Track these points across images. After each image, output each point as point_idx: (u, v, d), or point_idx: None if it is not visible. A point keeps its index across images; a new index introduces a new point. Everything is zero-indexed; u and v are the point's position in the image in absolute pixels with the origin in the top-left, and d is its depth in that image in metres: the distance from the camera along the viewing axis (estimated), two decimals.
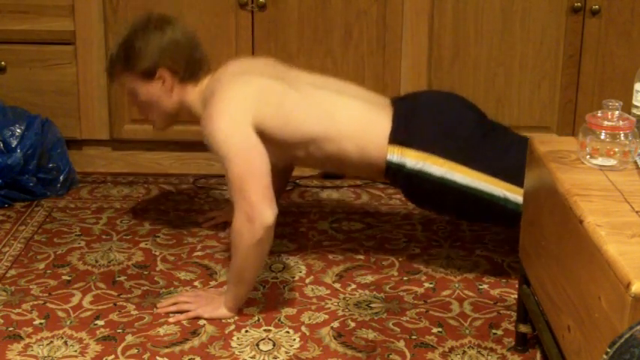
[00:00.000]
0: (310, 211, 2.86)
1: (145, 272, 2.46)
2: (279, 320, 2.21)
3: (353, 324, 2.20)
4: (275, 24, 3.02)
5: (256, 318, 2.22)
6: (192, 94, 2.38)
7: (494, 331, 2.18)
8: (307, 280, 2.42)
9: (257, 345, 2.10)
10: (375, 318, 2.23)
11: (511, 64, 3.05)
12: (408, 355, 2.07)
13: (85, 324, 2.18)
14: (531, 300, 1.98)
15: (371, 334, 2.15)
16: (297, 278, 2.43)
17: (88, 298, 2.31)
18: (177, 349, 2.08)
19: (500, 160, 2.31)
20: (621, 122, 1.81)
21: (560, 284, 1.72)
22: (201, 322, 2.20)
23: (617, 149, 1.81)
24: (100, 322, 2.19)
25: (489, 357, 2.07)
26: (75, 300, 2.30)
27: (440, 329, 2.18)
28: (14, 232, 2.70)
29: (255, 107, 2.24)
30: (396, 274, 2.46)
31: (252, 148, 2.19)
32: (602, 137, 1.81)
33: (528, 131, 2.85)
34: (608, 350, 1.22)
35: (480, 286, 2.40)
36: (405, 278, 2.44)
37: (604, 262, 1.46)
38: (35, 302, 2.28)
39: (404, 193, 2.44)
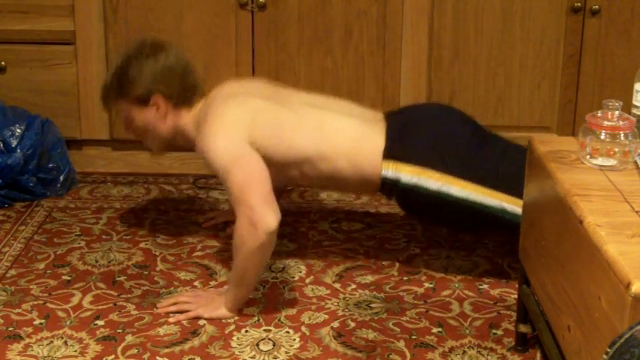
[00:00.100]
0: (310, 211, 2.86)
1: (145, 272, 2.46)
2: (279, 320, 2.21)
3: (353, 324, 2.20)
4: (275, 24, 3.02)
5: (256, 318, 2.22)
6: (187, 118, 2.41)
7: (494, 331, 2.18)
8: (307, 280, 2.42)
9: (257, 345, 2.10)
10: (375, 318, 2.23)
11: (511, 64, 3.05)
12: (408, 355, 2.07)
13: (85, 324, 2.18)
14: (531, 300, 1.98)
15: (371, 334, 2.16)
16: (297, 278, 2.43)
17: (88, 298, 2.31)
18: (177, 349, 2.08)
19: (495, 171, 2.31)
20: (621, 122, 1.81)
21: (560, 284, 1.72)
22: (201, 322, 2.20)
23: (617, 149, 1.81)
24: (100, 322, 2.19)
25: (489, 357, 2.07)
26: (75, 300, 2.30)
27: (440, 329, 2.18)
28: (14, 232, 2.70)
29: (249, 128, 2.27)
30: (396, 274, 2.46)
31: (250, 156, 2.22)
32: (602, 137, 1.81)
33: (528, 131, 2.85)
34: (608, 350, 1.22)
35: (480, 286, 2.40)
36: (405, 278, 2.44)
37: (604, 262, 1.46)
38: (35, 302, 2.28)
39: (401, 207, 2.46)
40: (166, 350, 2.08)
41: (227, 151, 2.21)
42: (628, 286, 1.37)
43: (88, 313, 2.24)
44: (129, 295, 2.33)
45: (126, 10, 3.01)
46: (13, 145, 2.87)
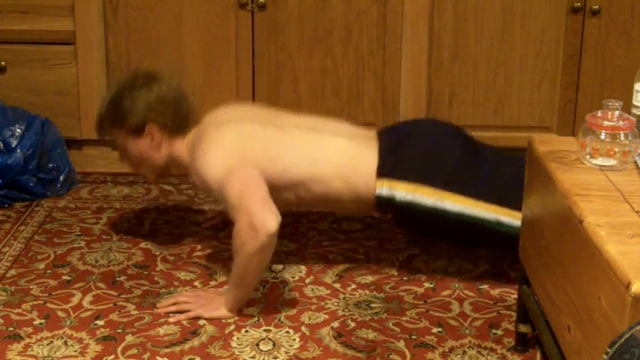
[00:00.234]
0: (310, 211, 2.86)
1: (145, 272, 2.46)
2: (279, 320, 2.21)
3: (353, 324, 2.20)
4: (275, 24, 3.02)
5: (256, 318, 2.22)
6: (181, 145, 2.43)
7: (494, 331, 2.18)
8: (307, 280, 2.42)
9: (257, 345, 2.10)
10: (375, 318, 2.23)
11: (511, 64, 3.05)
12: (408, 355, 2.07)
13: (85, 324, 2.18)
14: (531, 300, 1.98)
15: (371, 334, 2.16)
16: (297, 278, 2.43)
17: (88, 298, 2.31)
18: (177, 349, 2.08)
19: (490, 184, 2.31)
20: (621, 122, 1.81)
21: (560, 284, 1.72)
22: (201, 322, 2.20)
23: (617, 149, 1.81)
24: (100, 322, 2.19)
25: (489, 357, 2.07)
26: (75, 300, 2.30)
27: (440, 329, 2.18)
28: (14, 232, 2.70)
29: (243, 152, 2.28)
30: (396, 274, 2.46)
31: (243, 166, 2.24)
32: (602, 137, 1.81)
33: (528, 131, 2.86)
34: (608, 350, 1.22)
35: (480, 286, 2.40)
36: (405, 278, 2.44)
37: (604, 262, 1.46)
38: (35, 302, 2.28)
39: (397, 223, 2.46)
40: (166, 350, 2.08)
41: (222, 165, 2.24)
42: (628, 286, 1.36)
43: (88, 313, 2.24)
44: (129, 295, 2.33)
45: (126, 10, 3.01)
46: (13, 145, 2.87)
